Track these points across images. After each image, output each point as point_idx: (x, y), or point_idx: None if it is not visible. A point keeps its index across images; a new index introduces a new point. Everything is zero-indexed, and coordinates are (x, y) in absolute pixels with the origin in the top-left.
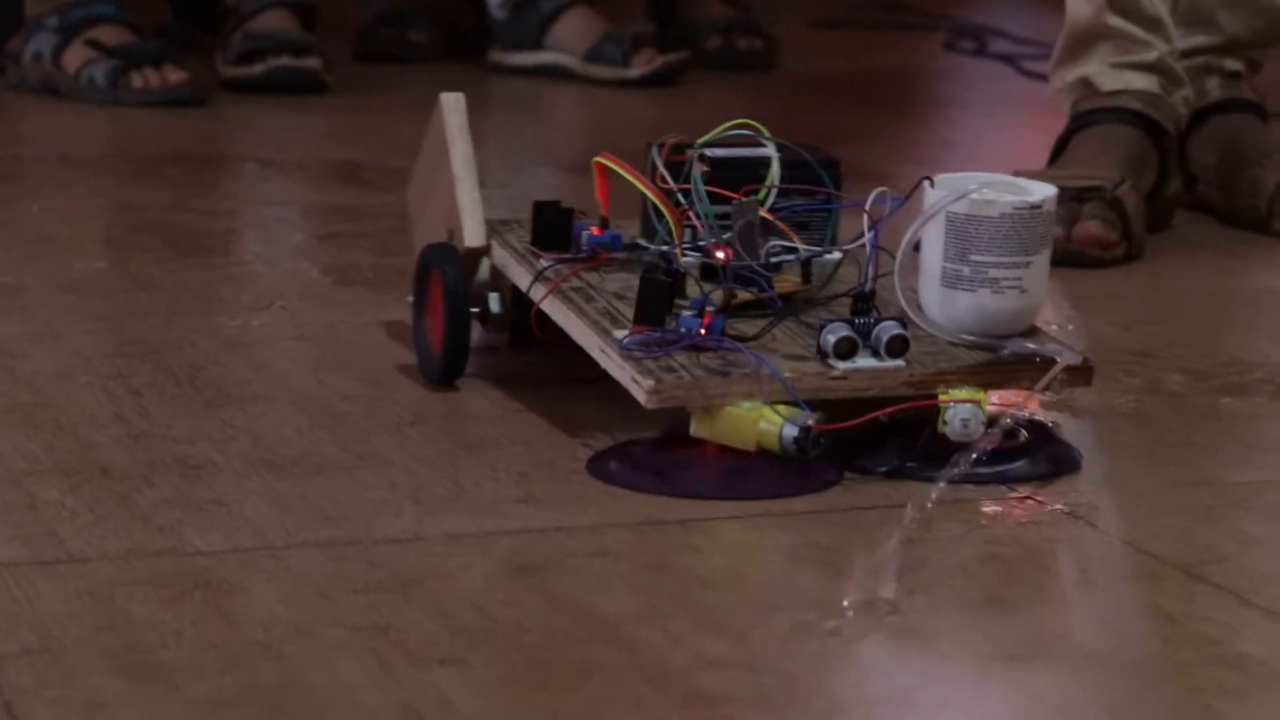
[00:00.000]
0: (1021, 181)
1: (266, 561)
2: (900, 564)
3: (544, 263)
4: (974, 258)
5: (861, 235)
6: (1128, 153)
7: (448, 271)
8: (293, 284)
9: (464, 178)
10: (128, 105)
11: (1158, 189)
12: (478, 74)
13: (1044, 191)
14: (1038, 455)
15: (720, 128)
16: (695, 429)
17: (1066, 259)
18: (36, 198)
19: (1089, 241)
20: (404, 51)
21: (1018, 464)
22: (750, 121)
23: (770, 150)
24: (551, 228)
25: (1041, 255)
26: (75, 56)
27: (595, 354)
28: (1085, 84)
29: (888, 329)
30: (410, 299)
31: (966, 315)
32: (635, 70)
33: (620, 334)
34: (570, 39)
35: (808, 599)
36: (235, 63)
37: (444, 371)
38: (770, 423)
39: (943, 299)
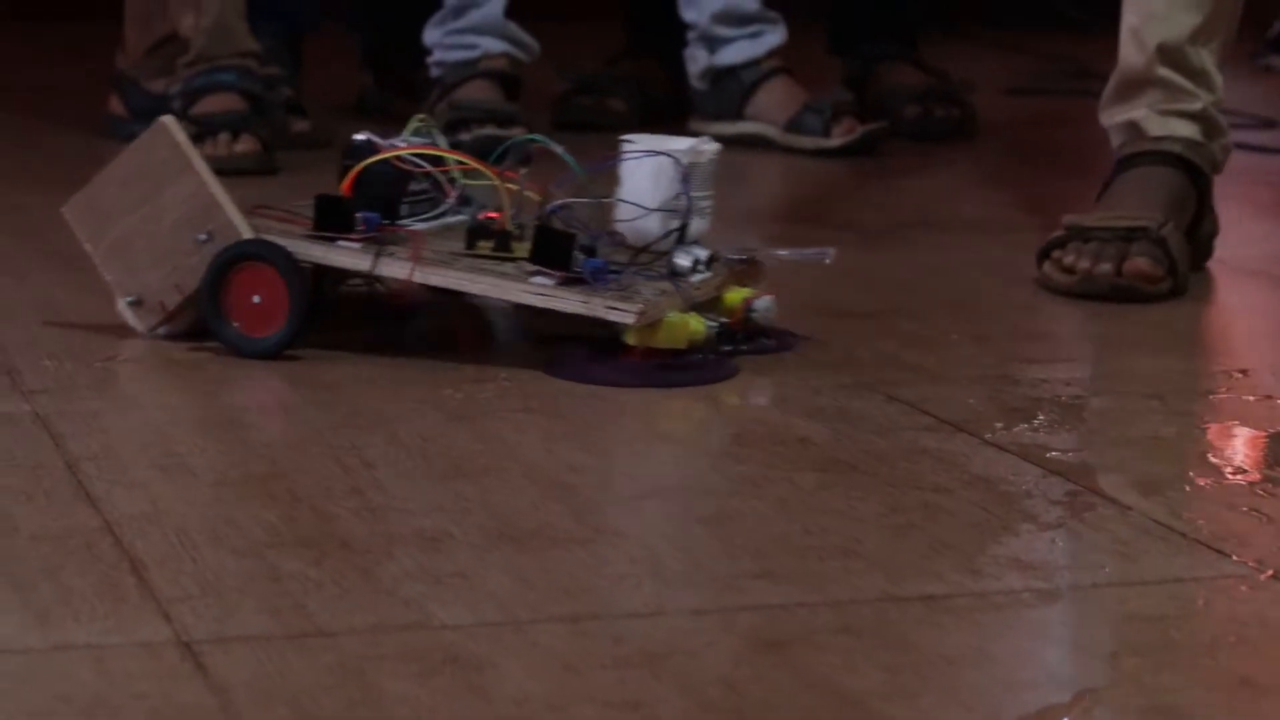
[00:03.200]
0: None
1: (512, 636)
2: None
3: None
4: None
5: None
6: (1169, 194)
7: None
8: (512, 355)
9: (214, 181)
10: None
11: (1195, 228)
12: None
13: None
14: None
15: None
16: (633, 339)
17: (1116, 293)
18: None
19: (1138, 277)
20: (603, 119)
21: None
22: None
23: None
24: (334, 215)
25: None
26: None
27: (532, 299)
28: (1132, 127)
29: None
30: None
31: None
32: (836, 140)
33: (543, 280)
34: (771, 109)
35: (1056, 677)
36: (440, 133)
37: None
38: (698, 325)
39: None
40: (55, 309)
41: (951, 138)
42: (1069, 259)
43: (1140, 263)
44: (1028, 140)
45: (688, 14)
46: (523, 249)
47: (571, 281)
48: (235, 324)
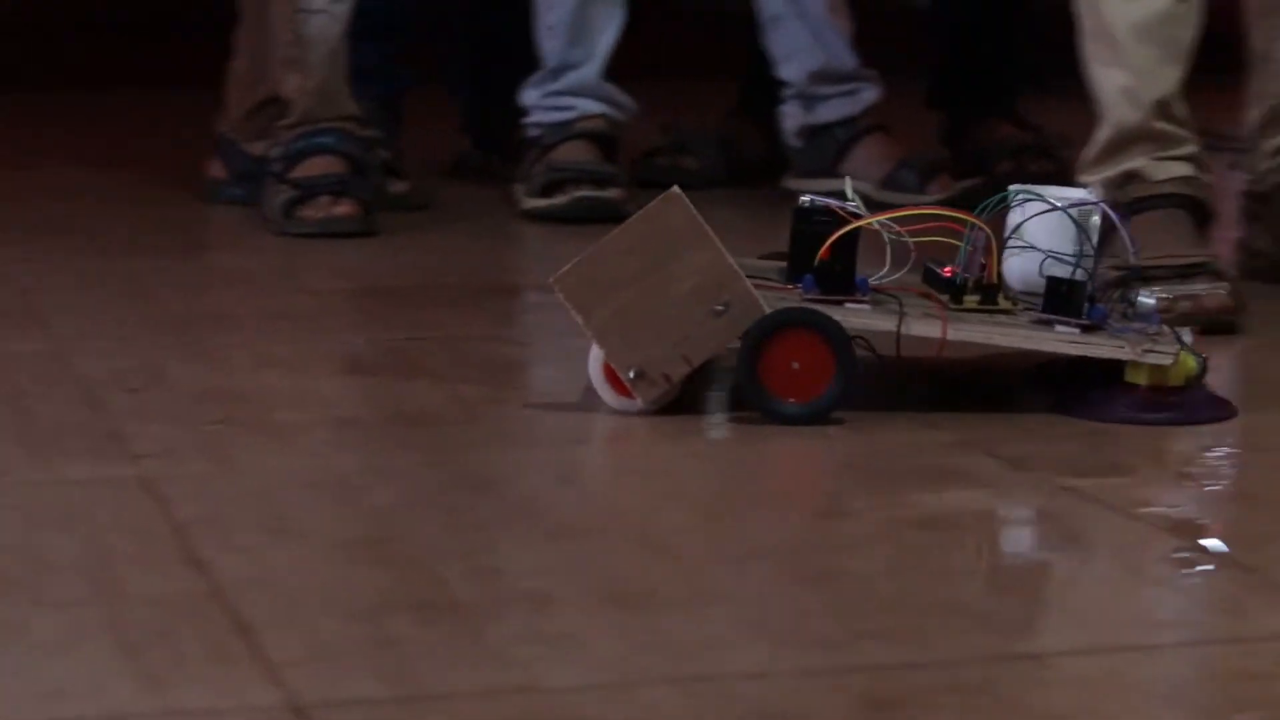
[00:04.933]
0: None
1: (624, 698)
2: None
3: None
4: None
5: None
6: (1188, 231)
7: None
8: (611, 417)
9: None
10: (293, 235)
11: None
12: (771, 200)
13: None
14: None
15: None
16: (1142, 378)
17: (1212, 326)
18: (357, 329)
19: (1223, 310)
20: (676, 178)
21: None
22: None
23: None
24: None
25: None
26: (277, 188)
27: (1069, 349)
28: (1133, 176)
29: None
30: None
31: None
32: (932, 196)
33: (1067, 330)
34: (866, 166)
35: None
36: (538, 194)
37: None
38: (1193, 362)
39: None
40: (163, 373)
41: None
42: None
43: (1221, 295)
44: None
45: (785, 72)
46: (973, 300)
47: (1087, 329)
48: (772, 391)
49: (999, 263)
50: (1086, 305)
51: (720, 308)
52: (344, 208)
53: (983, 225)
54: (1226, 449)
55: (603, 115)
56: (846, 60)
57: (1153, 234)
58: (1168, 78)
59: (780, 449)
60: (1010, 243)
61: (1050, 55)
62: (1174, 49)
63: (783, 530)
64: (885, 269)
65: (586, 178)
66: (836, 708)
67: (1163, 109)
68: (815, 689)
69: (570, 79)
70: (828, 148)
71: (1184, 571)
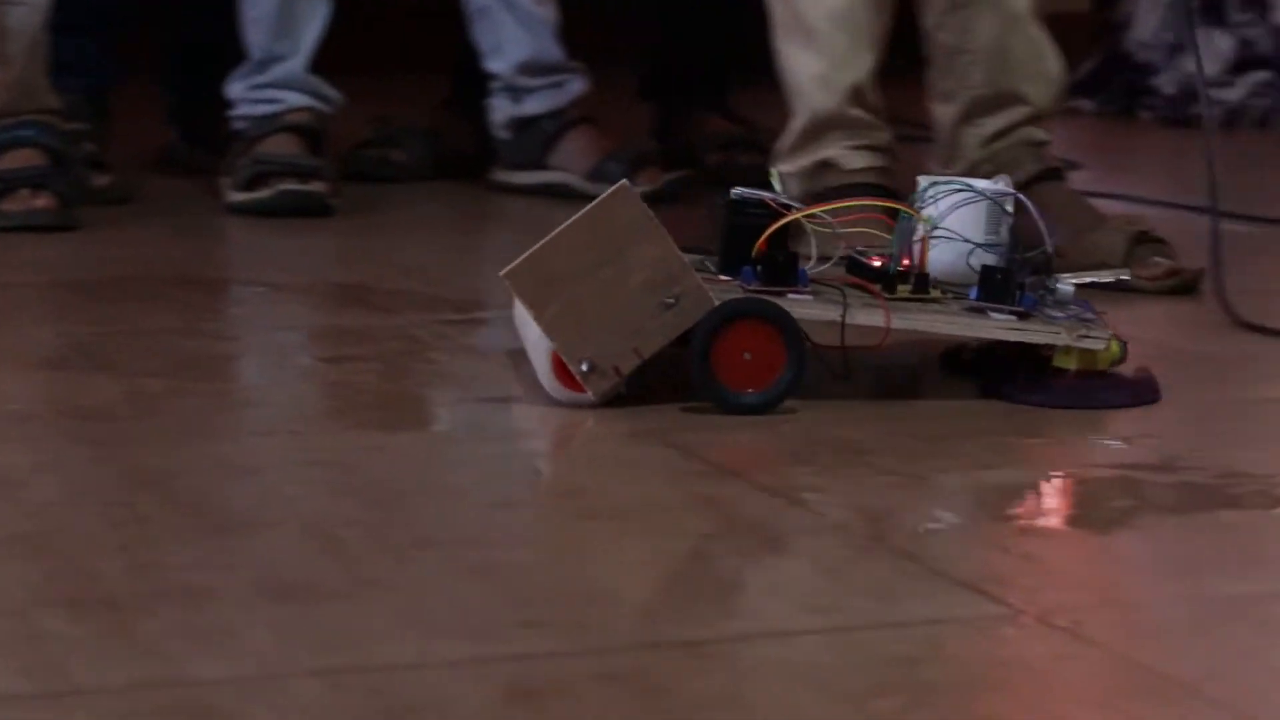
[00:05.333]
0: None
1: (268, 691)
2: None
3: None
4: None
5: None
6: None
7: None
8: (300, 408)
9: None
10: None
11: None
12: (478, 193)
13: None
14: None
15: None
16: (1071, 363)
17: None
18: (46, 323)
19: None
20: (384, 171)
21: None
22: None
23: None
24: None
25: None
26: None
27: (1009, 335)
28: (827, 165)
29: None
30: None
31: None
32: (639, 189)
33: (1003, 317)
34: (573, 158)
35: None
36: (243, 187)
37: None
38: (1117, 347)
39: None
40: None
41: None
42: None
43: None
44: None
45: (493, 64)
46: (905, 290)
47: (1021, 315)
48: (723, 381)
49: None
50: (1017, 293)
51: (671, 300)
52: (43, 201)
53: (917, 215)
54: (884, 436)
55: (309, 108)
56: (553, 52)
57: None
58: (861, 64)
59: (458, 442)
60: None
61: (762, 47)
62: (866, 36)
63: (452, 522)
64: (812, 260)
65: (291, 171)
66: (481, 698)
67: (857, 95)
68: (462, 679)
69: (276, 72)
70: (535, 140)
71: (844, 558)
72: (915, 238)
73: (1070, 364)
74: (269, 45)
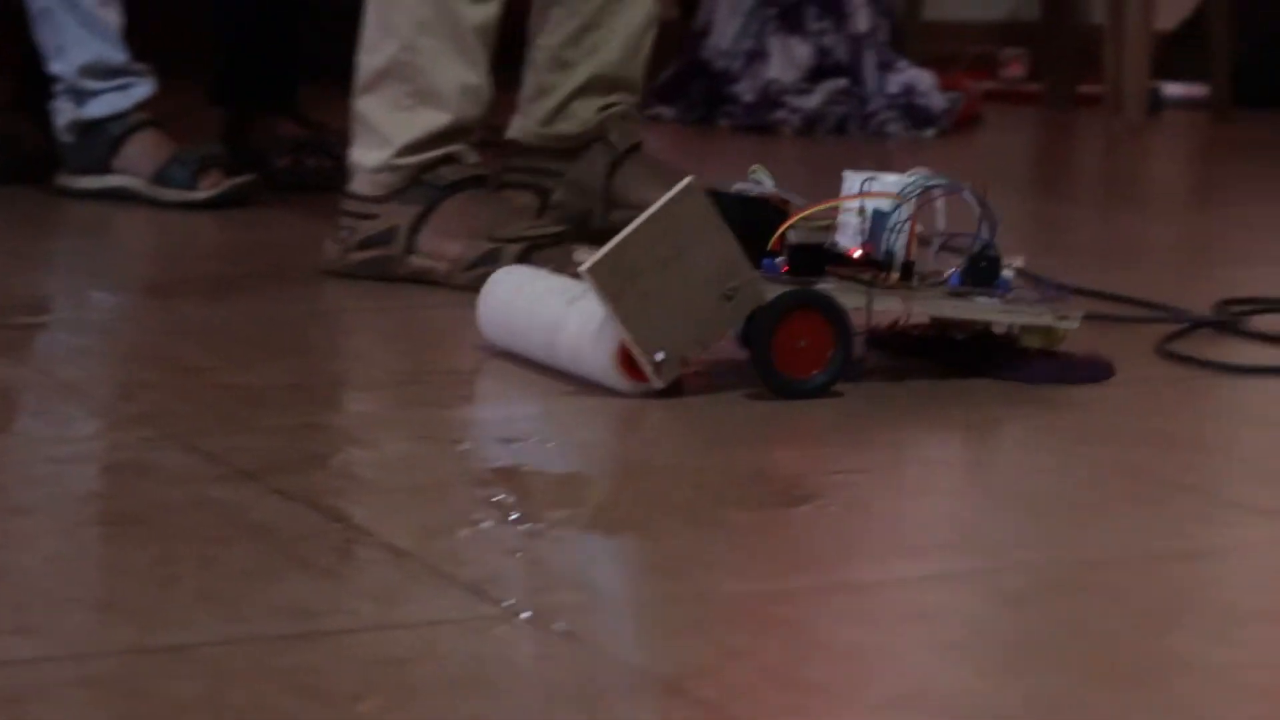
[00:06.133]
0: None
1: None
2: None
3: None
4: None
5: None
6: (509, 207)
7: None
8: None
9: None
10: None
11: None
12: (43, 198)
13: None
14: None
15: None
16: (1037, 342)
17: None
18: None
19: None
20: None
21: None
22: None
23: None
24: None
25: None
26: None
27: (1002, 317)
28: (451, 159)
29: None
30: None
31: None
32: (202, 192)
33: (988, 300)
34: (138, 161)
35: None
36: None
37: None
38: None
39: None
40: None
41: (324, 189)
42: None
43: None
44: None
45: (55, 66)
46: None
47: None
48: (781, 368)
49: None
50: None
51: (730, 293)
52: None
53: (899, 199)
54: (407, 442)
55: None
56: (117, 55)
57: (491, 209)
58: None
59: (38, 450)
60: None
61: (336, 50)
62: (492, 49)
63: None
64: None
65: None
66: None
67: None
68: None
69: None
70: (100, 143)
71: (350, 560)
72: (896, 226)
73: (1034, 343)
74: None
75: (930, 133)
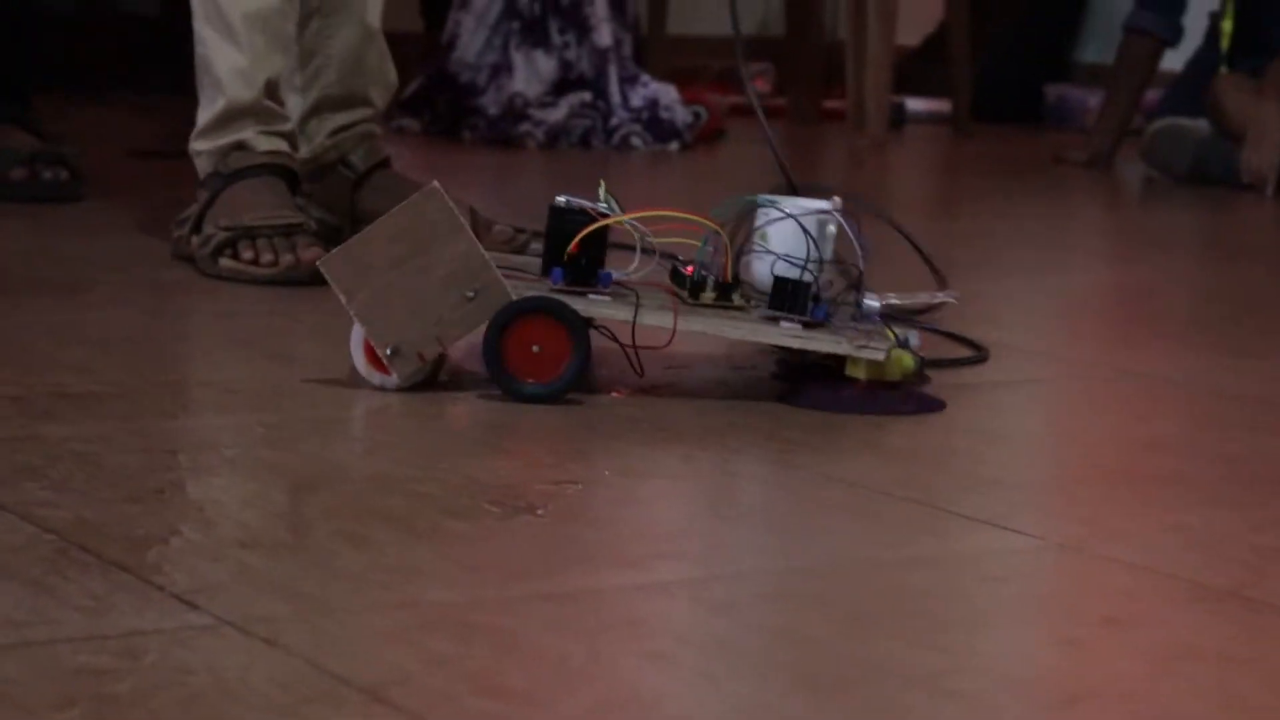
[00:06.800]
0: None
1: None
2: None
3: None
4: None
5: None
6: (287, 196)
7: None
8: None
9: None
10: None
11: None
12: None
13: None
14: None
15: None
16: (861, 372)
17: (311, 279)
18: None
19: (317, 261)
20: None
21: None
22: None
23: None
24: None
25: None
26: None
27: (790, 342)
28: (240, 146)
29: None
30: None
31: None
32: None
33: (790, 325)
34: None
35: None
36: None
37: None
38: (909, 360)
39: None
40: None
41: (59, 200)
42: (249, 254)
43: (315, 251)
44: (138, 199)
45: None
46: (710, 297)
47: (809, 325)
48: (512, 372)
49: (737, 264)
50: (811, 304)
51: (471, 294)
52: None
53: (718, 229)
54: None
55: None
56: None
57: (258, 196)
58: (275, 63)
59: None
60: (754, 247)
61: (72, 59)
62: (281, 39)
63: None
64: (634, 265)
65: None
66: None
67: (270, 89)
68: None
69: None
70: None
71: (57, 571)
72: (711, 248)
73: (860, 374)
74: None
75: (674, 146)
